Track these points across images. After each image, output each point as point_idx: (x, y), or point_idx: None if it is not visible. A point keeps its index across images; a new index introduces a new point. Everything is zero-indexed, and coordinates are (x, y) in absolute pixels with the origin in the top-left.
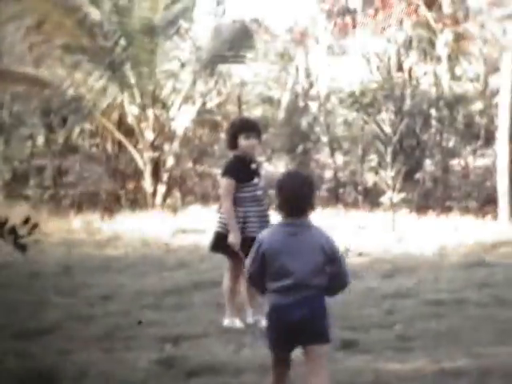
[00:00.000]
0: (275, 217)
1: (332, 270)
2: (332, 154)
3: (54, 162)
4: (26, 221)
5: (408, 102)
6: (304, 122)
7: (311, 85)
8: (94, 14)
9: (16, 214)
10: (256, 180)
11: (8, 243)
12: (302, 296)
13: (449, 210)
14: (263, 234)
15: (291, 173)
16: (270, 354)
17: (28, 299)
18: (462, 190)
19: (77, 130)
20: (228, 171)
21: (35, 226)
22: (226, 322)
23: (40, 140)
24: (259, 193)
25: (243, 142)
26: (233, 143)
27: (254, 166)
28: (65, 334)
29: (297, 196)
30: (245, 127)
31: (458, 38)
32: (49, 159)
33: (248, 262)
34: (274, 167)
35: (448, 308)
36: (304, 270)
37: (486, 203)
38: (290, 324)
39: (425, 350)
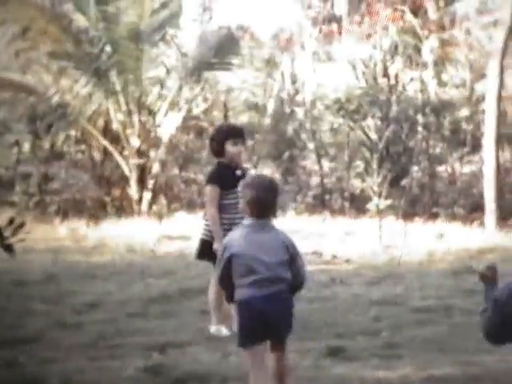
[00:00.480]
0: None
1: (293, 268)
2: (318, 161)
3: (40, 169)
4: (11, 221)
5: (394, 109)
6: (290, 129)
7: (297, 91)
8: (80, 20)
9: (1, 220)
10: None
11: None
12: (274, 289)
13: (435, 216)
14: (229, 237)
15: (257, 177)
16: (247, 352)
17: (12, 307)
18: (449, 196)
19: (62, 136)
20: (212, 178)
21: (21, 225)
22: (213, 329)
23: (26, 146)
24: None
25: (231, 148)
26: (219, 150)
27: (238, 172)
28: (50, 342)
29: (262, 199)
30: (232, 133)
31: (444, 44)
32: (35, 166)
33: (217, 265)
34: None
35: (435, 315)
36: (273, 264)
37: (473, 210)
38: (264, 316)
39: (412, 357)
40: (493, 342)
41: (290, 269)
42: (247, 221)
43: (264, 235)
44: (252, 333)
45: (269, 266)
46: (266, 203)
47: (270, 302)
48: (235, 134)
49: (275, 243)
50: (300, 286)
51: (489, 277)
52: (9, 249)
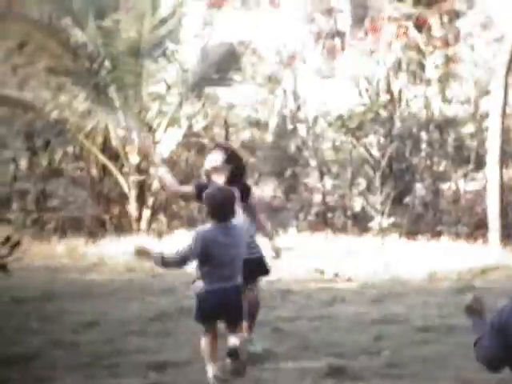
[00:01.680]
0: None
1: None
2: (321, 178)
3: (38, 186)
4: (7, 239)
5: (397, 125)
6: (292, 146)
7: (299, 108)
8: (79, 35)
9: None
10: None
11: None
12: (233, 283)
13: (439, 234)
14: (200, 232)
15: (218, 188)
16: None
17: (9, 325)
18: (453, 214)
19: (60, 153)
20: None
21: (17, 244)
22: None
23: (23, 163)
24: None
25: (206, 162)
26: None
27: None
28: (47, 361)
29: (221, 206)
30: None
31: (448, 60)
32: (32, 183)
33: (184, 247)
34: (261, 191)
35: (438, 334)
36: (233, 261)
37: (477, 228)
38: (221, 305)
39: (414, 377)
40: (495, 370)
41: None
42: (214, 224)
43: (227, 238)
44: (209, 316)
45: (231, 263)
46: (226, 209)
47: (228, 294)
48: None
49: (235, 243)
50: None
51: (476, 309)
52: (4, 268)
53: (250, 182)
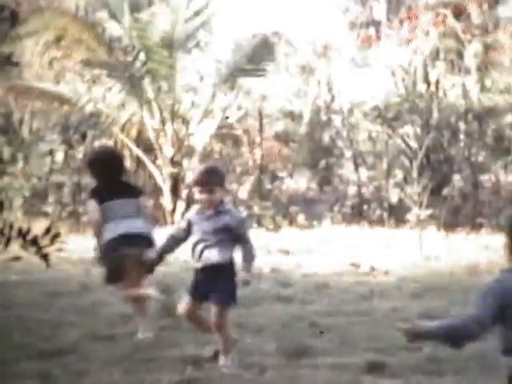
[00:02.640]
0: None
1: None
2: (356, 170)
3: (73, 179)
4: (48, 231)
5: (435, 116)
6: (326, 137)
7: (333, 98)
8: (114, 28)
9: (36, 229)
10: None
11: (30, 254)
12: None
13: (479, 227)
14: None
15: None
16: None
17: (47, 318)
18: (493, 206)
19: (95, 146)
20: None
21: (57, 235)
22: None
23: (59, 156)
24: None
25: None
26: None
27: None
28: (84, 354)
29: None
30: None
31: (488, 48)
32: (68, 176)
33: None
34: (295, 183)
35: None
36: None
37: None
38: None
39: (456, 373)
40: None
41: None
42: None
43: None
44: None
45: None
46: None
47: None
48: None
49: None
50: None
51: (413, 331)
52: (45, 258)
53: (283, 173)
